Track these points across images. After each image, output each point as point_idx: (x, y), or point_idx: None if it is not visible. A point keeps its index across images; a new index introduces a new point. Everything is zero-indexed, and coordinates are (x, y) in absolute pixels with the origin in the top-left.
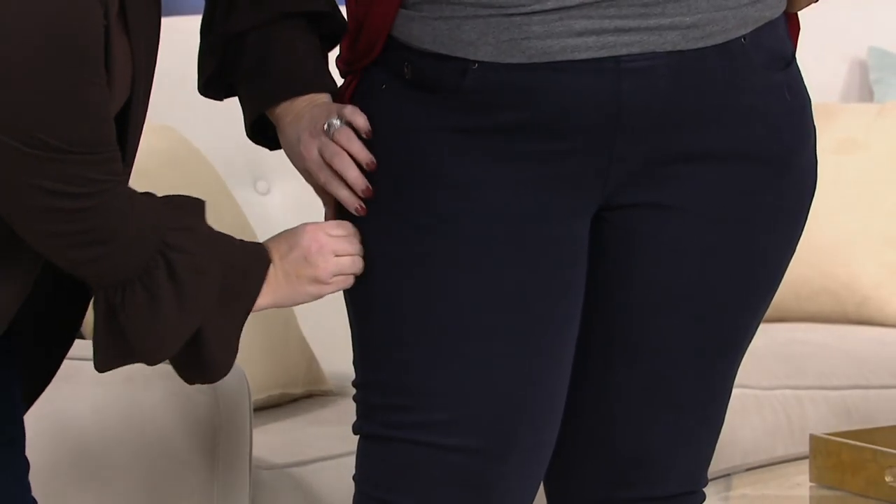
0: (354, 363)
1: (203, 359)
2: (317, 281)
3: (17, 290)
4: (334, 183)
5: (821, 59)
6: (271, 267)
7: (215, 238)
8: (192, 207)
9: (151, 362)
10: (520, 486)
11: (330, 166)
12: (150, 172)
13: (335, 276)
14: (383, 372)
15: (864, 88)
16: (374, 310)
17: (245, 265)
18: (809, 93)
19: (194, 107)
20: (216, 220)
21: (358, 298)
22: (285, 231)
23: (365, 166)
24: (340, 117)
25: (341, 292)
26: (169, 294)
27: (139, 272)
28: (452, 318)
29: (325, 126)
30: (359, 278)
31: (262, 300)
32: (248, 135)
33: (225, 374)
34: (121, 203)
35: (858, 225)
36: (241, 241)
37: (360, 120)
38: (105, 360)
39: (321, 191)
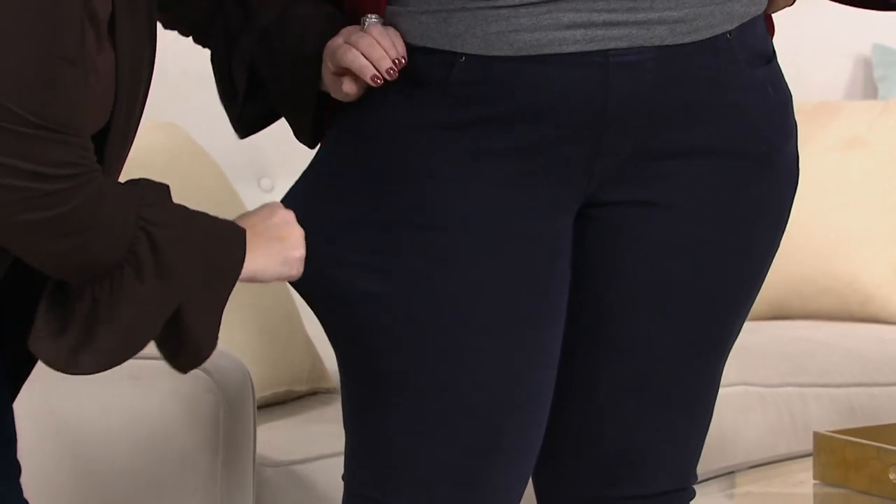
0: (338, 359)
1: (186, 338)
2: (295, 247)
3: None
4: (351, 54)
5: (825, 56)
6: (248, 233)
7: (189, 212)
8: (158, 188)
9: (130, 352)
10: (507, 483)
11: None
12: (154, 169)
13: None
14: (367, 368)
15: (868, 85)
16: (355, 306)
17: (224, 234)
18: (814, 90)
19: (198, 104)
20: (220, 215)
21: (337, 294)
22: (247, 212)
23: (394, 61)
24: (378, 17)
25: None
26: (150, 267)
27: (124, 254)
28: (435, 312)
29: (361, 21)
30: (340, 271)
31: (247, 265)
32: (304, 140)
33: (210, 353)
34: (95, 188)
35: (862, 222)
36: (213, 215)
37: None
38: (98, 361)
39: (332, 81)
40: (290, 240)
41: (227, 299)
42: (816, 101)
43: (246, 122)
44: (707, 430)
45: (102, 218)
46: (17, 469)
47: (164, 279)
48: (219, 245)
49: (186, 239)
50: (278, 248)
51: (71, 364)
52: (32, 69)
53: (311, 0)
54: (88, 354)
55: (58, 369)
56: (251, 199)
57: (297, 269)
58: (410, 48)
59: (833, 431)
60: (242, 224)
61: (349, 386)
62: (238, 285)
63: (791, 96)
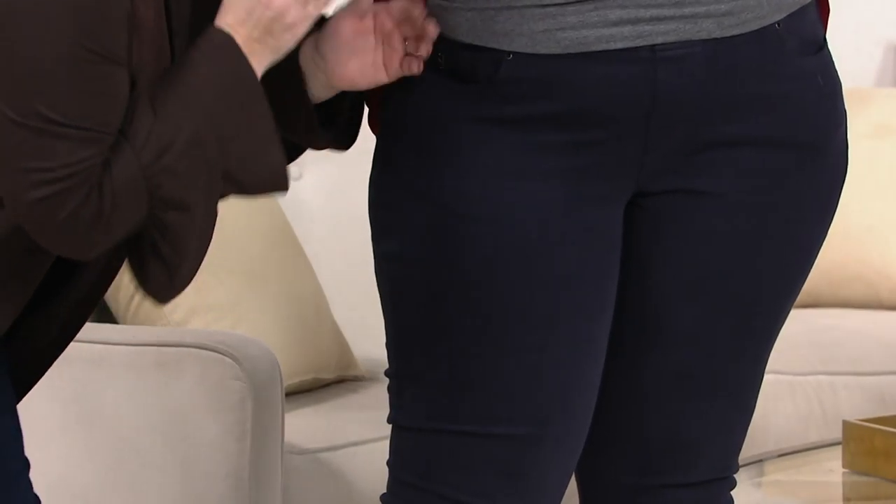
0: (389, 352)
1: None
2: (291, 27)
3: (11, 310)
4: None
5: (855, 43)
6: (239, 44)
7: (186, 86)
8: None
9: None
10: (551, 474)
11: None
12: None
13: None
14: (422, 362)
15: None
16: (410, 298)
17: (227, 81)
18: (844, 78)
19: None
20: (247, 205)
21: (392, 286)
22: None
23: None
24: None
25: (375, 284)
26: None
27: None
28: (489, 306)
29: None
30: (393, 267)
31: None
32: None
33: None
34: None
35: (893, 210)
36: (197, 53)
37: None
38: (164, 292)
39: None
40: (279, 23)
41: (268, 110)
42: (847, 89)
43: (328, 140)
44: (750, 419)
45: (119, 189)
46: (16, 472)
47: (210, 198)
48: (233, 97)
49: (204, 146)
50: (271, 44)
51: (170, 291)
52: (65, 67)
53: None
54: (178, 277)
55: (163, 300)
56: None
57: (299, 30)
58: (456, 44)
59: (862, 420)
60: (228, 23)
61: (397, 377)
62: (265, 276)
63: (840, 84)
